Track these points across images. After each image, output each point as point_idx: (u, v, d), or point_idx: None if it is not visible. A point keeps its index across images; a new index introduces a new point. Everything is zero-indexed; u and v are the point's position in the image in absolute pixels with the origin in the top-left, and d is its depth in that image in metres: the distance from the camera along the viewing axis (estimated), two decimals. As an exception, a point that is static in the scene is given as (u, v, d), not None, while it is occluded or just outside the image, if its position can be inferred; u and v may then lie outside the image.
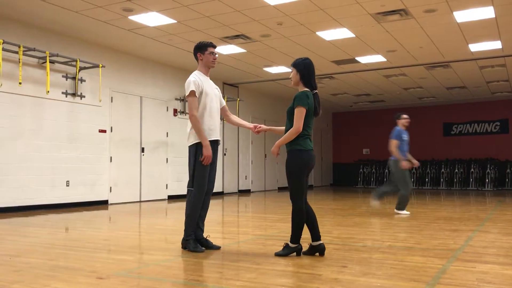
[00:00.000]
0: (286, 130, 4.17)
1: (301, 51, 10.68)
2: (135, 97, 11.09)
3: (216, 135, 4.54)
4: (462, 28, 9.10)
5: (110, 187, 10.29)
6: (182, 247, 4.49)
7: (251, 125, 4.80)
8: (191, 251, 4.34)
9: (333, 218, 7.32)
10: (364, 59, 11.64)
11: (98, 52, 10.13)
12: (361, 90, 16.06)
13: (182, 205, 10.12)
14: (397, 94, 16.87)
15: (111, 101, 10.43)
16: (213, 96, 4.57)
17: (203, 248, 4.40)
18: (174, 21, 8.68)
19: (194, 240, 4.42)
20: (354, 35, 9.57)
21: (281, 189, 17.09)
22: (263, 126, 4.71)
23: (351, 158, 20.46)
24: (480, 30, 9.23)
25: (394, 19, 8.54)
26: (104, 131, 10.20)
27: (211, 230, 5.56)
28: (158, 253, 4.33)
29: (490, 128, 18.12)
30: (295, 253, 4.12)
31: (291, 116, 4.12)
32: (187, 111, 12.48)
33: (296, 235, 4.10)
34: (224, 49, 10.54)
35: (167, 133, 11.91)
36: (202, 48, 4.58)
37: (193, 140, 4.45)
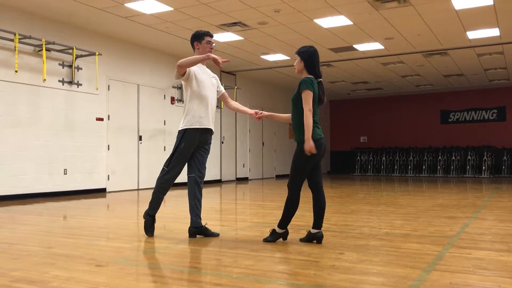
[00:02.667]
0: (293, 119, 4.14)
1: (298, 39, 10.64)
2: (132, 85, 11.05)
3: (207, 124, 4.49)
4: (460, 15, 9.06)
5: (108, 175, 10.30)
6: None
7: (252, 111, 4.75)
8: (144, 227, 4.55)
9: (330, 206, 7.35)
10: (361, 47, 11.60)
11: (94, 40, 10.06)
12: (359, 77, 16.03)
13: (180, 193, 10.14)
14: (395, 82, 16.85)
15: (108, 89, 10.39)
16: (209, 85, 4.55)
17: (152, 234, 4.51)
18: (171, 9, 8.62)
19: (153, 219, 4.54)
20: (351, 23, 9.53)
21: (278, 176, 17.14)
22: (264, 112, 4.68)
23: (348, 145, 20.49)
24: (478, 17, 9.20)
25: (391, 6, 8.49)
26: (102, 119, 10.18)
27: (209, 218, 5.59)
28: (156, 241, 4.35)
29: (487, 115, 18.15)
30: (281, 238, 4.22)
31: (296, 104, 4.09)
32: (184, 99, 12.44)
33: (284, 221, 4.17)
34: (221, 37, 10.48)
35: (164, 121, 11.89)
36: (199, 37, 4.56)
37: (183, 125, 4.47)
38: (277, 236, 4.20)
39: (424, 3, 8.37)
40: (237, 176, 14.94)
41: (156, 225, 4.64)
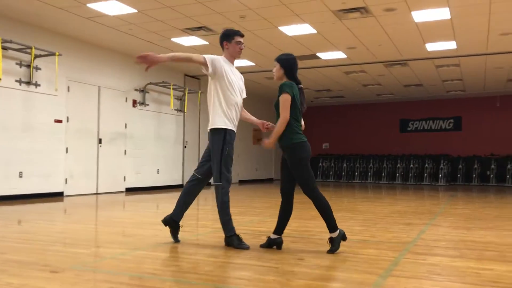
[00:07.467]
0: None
1: (263, 45, 10.71)
2: (93, 87, 10.83)
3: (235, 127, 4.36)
4: (420, 27, 9.35)
5: (66, 179, 10.03)
6: (225, 245, 4.26)
7: (259, 121, 4.62)
8: (236, 248, 4.11)
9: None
10: (325, 55, 11.78)
11: (55, 39, 9.81)
12: (322, 85, 16.27)
13: (140, 198, 9.98)
14: (357, 90, 17.19)
15: (68, 91, 10.15)
16: (238, 89, 4.35)
17: (248, 245, 4.16)
18: (135, 11, 8.52)
19: (238, 236, 4.20)
20: (315, 31, 9.67)
21: (242, 182, 17.13)
22: (272, 124, 4.46)
23: (312, 151, 20.70)
24: (437, 30, 9.52)
25: (354, 16, 8.68)
26: (60, 121, 9.92)
27: (170, 223, 5.52)
28: (115, 246, 4.26)
29: (444, 125, 18.76)
30: (342, 240, 4.02)
31: (279, 109, 4.06)
32: (146, 102, 12.30)
33: (332, 223, 4.00)
34: (186, 41, 10.43)
35: (125, 124, 11.70)
36: (229, 37, 4.38)
37: (218, 123, 4.25)
38: (338, 240, 3.99)
39: (385, 15, 8.59)
40: (200, 181, 14.83)
41: (114, 230, 4.56)
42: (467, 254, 4.04)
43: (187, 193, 4.47)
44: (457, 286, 3.02)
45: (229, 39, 4.36)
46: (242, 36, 4.41)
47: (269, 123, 4.53)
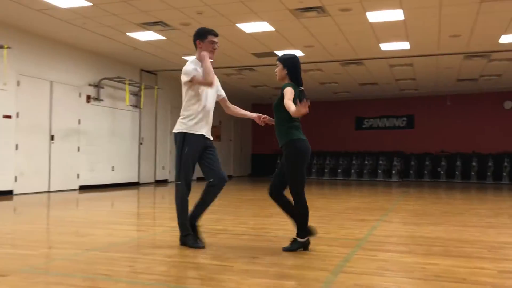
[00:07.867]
0: (276, 125, 4.09)
1: (221, 42, 10.56)
2: (44, 82, 10.48)
3: (208, 133, 4.25)
4: (374, 28, 9.58)
5: (16, 177, 9.68)
6: (180, 244, 4.18)
7: (254, 114, 4.52)
8: (191, 247, 4.07)
9: (249, 209, 7.43)
10: (282, 53, 11.83)
11: (3, 32, 9.41)
12: (280, 83, 16.35)
13: (94, 196, 9.76)
14: (314, 88, 17.41)
15: (18, 85, 9.78)
16: (209, 91, 4.26)
17: (203, 244, 4.13)
18: (89, 4, 8.30)
19: (193, 235, 4.15)
20: (273, 29, 9.73)
21: (200, 179, 17.04)
22: (268, 117, 4.41)
23: (269, 149, 20.85)
24: (391, 30, 9.77)
25: (311, 15, 8.79)
26: (9, 117, 9.55)
27: (126, 223, 5.45)
28: (67, 247, 4.16)
29: (398, 123, 19.31)
30: (302, 248, 3.99)
31: (279, 110, 4.02)
32: (101, 98, 12.02)
33: (304, 230, 4.00)
34: (142, 36, 10.26)
35: (79, 120, 11.39)
36: (202, 35, 4.28)
37: (180, 128, 4.17)
38: (299, 245, 3.99)
39: (341, 15, 8.75)
40: (156, 179, 14.67)
41: (67, 230, 4.46)
42: (415, 250, 4.19)
43: (205, 194, 4.37)
44: (404, 281, 3.14)
45: (202, 38, 4.28)
46: (216, 35, 4.33)
47: (265, 116, 4.46)
